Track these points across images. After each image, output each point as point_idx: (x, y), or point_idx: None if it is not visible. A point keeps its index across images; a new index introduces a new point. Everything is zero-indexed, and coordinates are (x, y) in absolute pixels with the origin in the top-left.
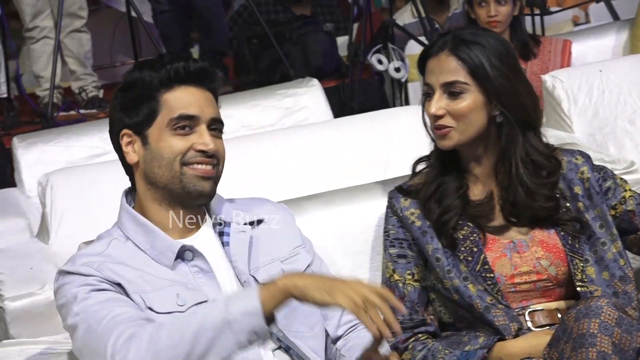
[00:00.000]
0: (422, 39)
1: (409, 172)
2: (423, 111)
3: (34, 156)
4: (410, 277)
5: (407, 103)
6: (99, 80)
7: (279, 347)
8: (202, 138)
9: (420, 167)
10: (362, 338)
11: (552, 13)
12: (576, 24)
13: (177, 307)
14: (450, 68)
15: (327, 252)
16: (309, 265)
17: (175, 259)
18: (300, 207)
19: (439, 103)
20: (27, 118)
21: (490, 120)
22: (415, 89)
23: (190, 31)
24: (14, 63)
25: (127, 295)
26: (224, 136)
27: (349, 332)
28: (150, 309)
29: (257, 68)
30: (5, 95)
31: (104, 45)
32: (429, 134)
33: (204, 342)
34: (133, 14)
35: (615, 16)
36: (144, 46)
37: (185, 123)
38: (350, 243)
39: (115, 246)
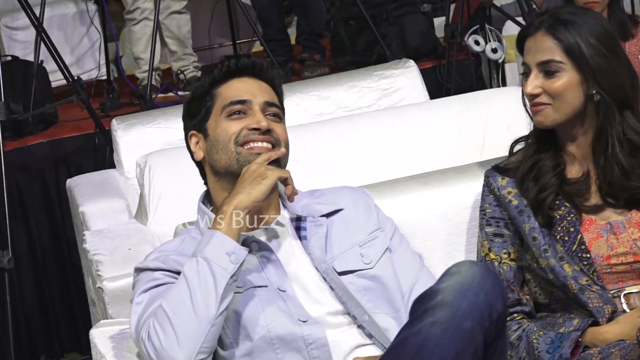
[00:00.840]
0: (520, 19)
1: (505, 154)
2: (522, 91)
3: (133, 138)
4: (506, 256)
5: (504, 84)
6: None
7: (360, 327)
8: (255, 117)
9: (518, 147)
10: None
11: None
12: None
13: (236, 289)
14: (545, 47)
15: (422, 232)
16: (387, 248)
17: None
18: (396, 188)
19: (535, 82)
20: (126, 100)
21: (588, 99)
22: (512, 70)
23: (285, 13)
24: (113, 45)
25: None
26: (322, 117)
27: None
28: None
29: (354, 49)
30: (105, 77)
31: (203, 27)
32: (528, 114)
33: (200, 288)
34: None
35: None
36: (242, 28)
37: (237, 108)
38: (445, 224)
39: (188, 242)
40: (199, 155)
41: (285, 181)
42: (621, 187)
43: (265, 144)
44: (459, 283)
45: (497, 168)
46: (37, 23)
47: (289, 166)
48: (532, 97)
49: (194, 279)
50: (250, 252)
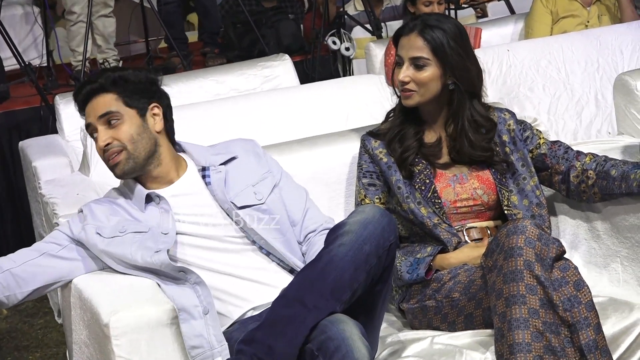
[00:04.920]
0: (368, 26)
1: (361, 124)
2: (393, 77)
3: (71, 110)
4: (378, 200)
5: (352, 74)
6: (118, 54)
7: (260, 248)
8: (97, 140)
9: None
10: (318, 241)
11: (463, 8)
12: (478, 17)
13: (117, 234)
14: (417, 46)
15: (313, 182)
16: (275, 185)
17: (148, 202)
18: (290, 148)
19: (406, 72)
20: (63, 81)
21: (444, 88)
22: (358, 64)
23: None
24: (52, 40)
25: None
26: (219, 97)
27: (309, 237)
28: (99, 234)
29: (241, 46)
30: (45, 64)
31: (124, 27)
32: (396, 93)
33: None
34: (146, 4)
35: (512, 11)
36: (151, 28)
37: (89, 131)
38: (328, 177)
39: (111, 194)
40: None
41: None
42: (467, 155)
43: (112, 156)
44: (363, 218)
45: (371, 133)
46: None
47: (197, 135)
48: (403, 83)
49: None
50: (150, 203)
